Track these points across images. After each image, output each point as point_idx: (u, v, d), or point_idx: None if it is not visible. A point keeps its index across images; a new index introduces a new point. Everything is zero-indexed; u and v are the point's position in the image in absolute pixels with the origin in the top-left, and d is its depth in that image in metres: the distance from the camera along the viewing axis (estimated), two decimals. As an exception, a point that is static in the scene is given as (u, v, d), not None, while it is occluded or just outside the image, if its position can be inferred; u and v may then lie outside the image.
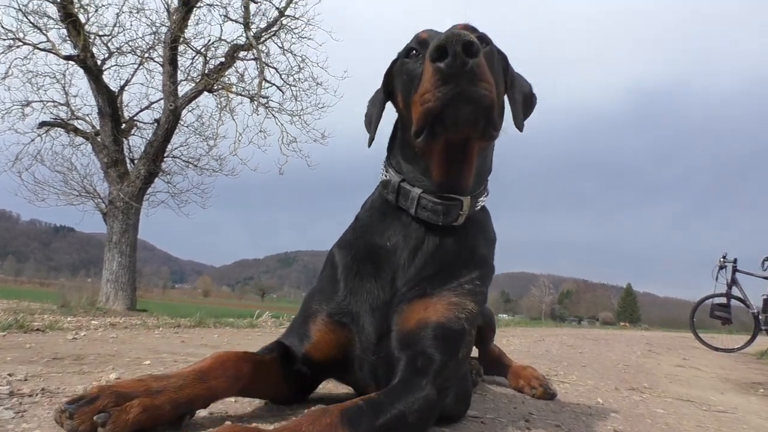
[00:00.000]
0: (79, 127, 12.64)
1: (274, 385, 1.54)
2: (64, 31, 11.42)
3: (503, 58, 1.62)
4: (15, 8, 10.94)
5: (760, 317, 9.28)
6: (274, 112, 13.10)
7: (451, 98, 1.23)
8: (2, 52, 11.38)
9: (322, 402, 1.67)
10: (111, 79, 12.42)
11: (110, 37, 12.17)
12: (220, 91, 12.76)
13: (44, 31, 11.44)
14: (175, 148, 13.36)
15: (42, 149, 12.59)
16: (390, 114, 1.68)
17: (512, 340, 6.57)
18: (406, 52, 1.52)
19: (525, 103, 1.68)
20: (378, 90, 1.73)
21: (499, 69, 1.54)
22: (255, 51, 12.56)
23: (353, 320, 1.52)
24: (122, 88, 12.76)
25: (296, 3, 12.53)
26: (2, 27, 11.14)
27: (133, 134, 13.08)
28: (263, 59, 12.72)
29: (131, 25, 12.44)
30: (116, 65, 12.60)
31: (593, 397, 2.58)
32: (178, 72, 12.36)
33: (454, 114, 1.26)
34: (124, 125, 12.59)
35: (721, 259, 9.84)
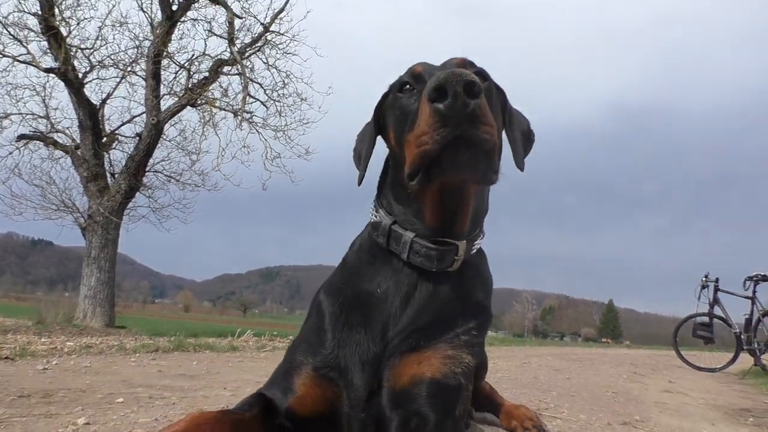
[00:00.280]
0: (58, 140, 12.41)
1: None
2: (45, 43, 11.26)
3: (501, 94, 1.55)
4: (-6, 20, 10.78)
5: (742, 337, 9.32)
6: (257, 128, 13.00)
7: (451, 141, 1.14)
8: (-20, 65, 11.19)
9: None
10: (92, 92, 12.26)
11: (92, 50, 12.03)
12: (203, 105, 12.65)
13: (24, 44, 11.27)
14: (157, 163, 13.19)
15: (20, 162, 12.34)
16: (381, 148, 1.58)
17: (498, 363, 6.48)
18: (400, 87, 1.43)
19: (524, 140, 1.60)
20: (368, 124, 1.63)
21: (498, 106, 1.46)
22: (239, 66, 12.48)
23: (341, 375, 1.40)
24: (104, 101, 12.59)
25: (281, 19, 12.51)
26: (-19, 39, 10.95)
27: (115, 148, 12.90)
28: (247, 74, 12.65)
29: (114, 38, 12.41)
30: (98, 78, 12.44)
31: (587, 435, 2.49)
32: (161, 86, 12.24)
33: (454, 158, 1.17)
34: (105, 139, 12.41)
35: (704, 279, 9.89)
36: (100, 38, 11.98)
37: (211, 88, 12.68)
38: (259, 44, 12.72)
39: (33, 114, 12.30)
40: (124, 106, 13.11)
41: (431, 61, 1.46)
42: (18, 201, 12.43)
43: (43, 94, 12.25)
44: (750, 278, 9.38)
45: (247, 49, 12.64)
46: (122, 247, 12.46)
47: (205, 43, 12.68)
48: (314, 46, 12.69)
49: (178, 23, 12.10)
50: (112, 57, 12.31)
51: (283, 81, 12.87)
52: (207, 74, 12.56)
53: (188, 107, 12.48)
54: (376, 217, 1.52)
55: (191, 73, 12.73)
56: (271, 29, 12.56)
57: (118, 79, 12.66)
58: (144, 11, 12.11)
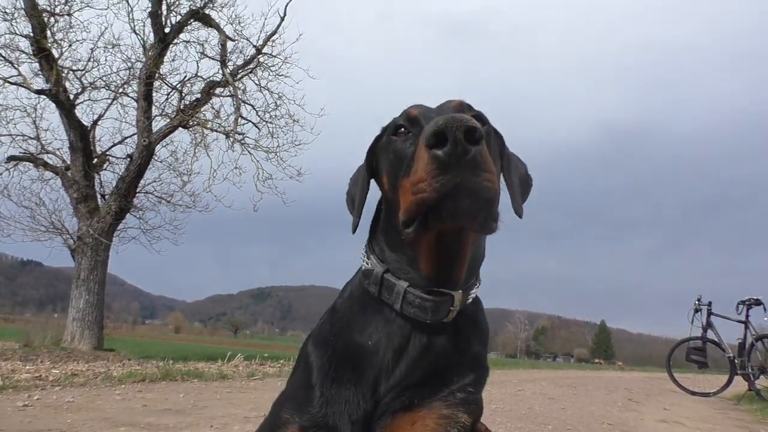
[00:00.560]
0: (48, 161, 12.33)
1: None
2: (36, 65, 11.23)
3: (499, 137, 1.49)
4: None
5: (735, 361, 9.29)
6: (249, 149, 12.95)
7: (450, 190, 1.08)
8: (-30, 86, 11.13)
9: None
10: (84, 113, 12.21)
11: (84, 71, 12.00)
12: (195, 127, 12.62)
13: (16, 65, 11.23)
14: (148, 184, 13.10)
15: (9, 184, 12.23)
16: (374, 191, 1.51)
17: (492, 391, 6.40)
18: (394, 130, 1.37)
19: (522, 185, 1.54)
20: (360, 167, 1.57)
21: (496, 151, 1.41)
22: (231, 88, 12.49)
23: None
24: (95, 122, 12.55)
25: (273, 41, 12.55)
26: (-29, 61, 10.92)
27: (105, 169, 12.83)
28: (240, 96, 12.64)
29: (106, 60, 12.34)
30: (89, 100, 12.40)
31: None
32: (153, 107, 12.21)
33: (453, 207, 1.10)
34: (95, 160, 12.34)
35: (696, 302, 9.88)
36: (92, 60, 11.97)
37: (203, 109, 12.66)
38: (252, 66, 12.75)
39: (23, 135, 12.23)
40: (115, 128, 13.03)
41: (426, 98, 1.41)
42: (7, 222, 12.31)
43: (33, 116, 12.21)
44: (743, 302, 9.39)
45: (240, 71, 12.66)
46: (112, 268, 12.35)
47: (198, 65, 12.70)
48: (306, 68, 12.75)
49: (171, 45, 12.12)
50: (104, 78, 12.30)
51: (276, 102, 12.88)
52: (199, 96, 12.55)
53: (180, 128, 12.45)
54: (367, 263, 1.45)
55: (183, 94, 12.72)
56: (263, 51, 12.60)
57: (109, 101, 12.63)
58: (136, 33, 12.11)
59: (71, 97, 11.60)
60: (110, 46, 12.09)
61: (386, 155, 1.39)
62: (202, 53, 12.53)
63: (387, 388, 1.32)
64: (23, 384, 3.54)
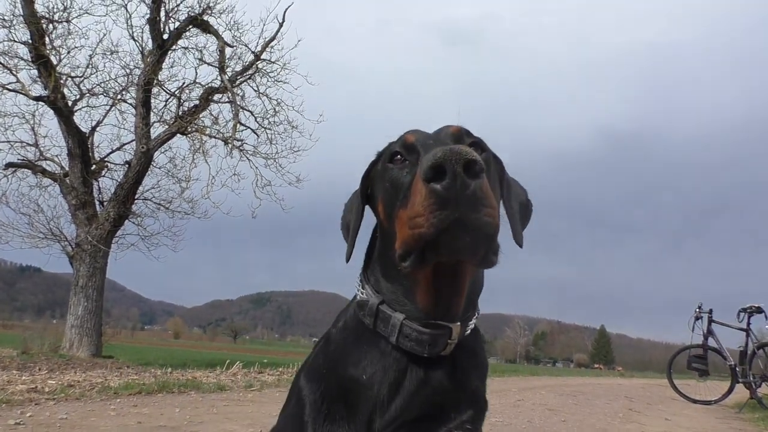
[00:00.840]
0: (47, 168, 12.33)
1: None
2: (35, 71, 11.23)
3: (499, 163, 1.44)
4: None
5: (737, 369, 9.25)
6: (248, 155, 12.95)
7: (449, 225, 1.03)
8: (-32, 93, 11.12)
9: None
10: (82, 120, 12.22)
11: (82, 78, 12.00)
12: (193, 133, 12.60)
13: (14, 72, 11.22)
14: (147, 190, 13.09)
15: (7, 191, 12.21)
16: (369, 217, 1.46)
17: (492, 402, 6.30)
18: (390, 157, 1.32)
19: (522, 212, 1.48)
20: (355, 193, 1.51)
21: (495, 179, 1.36)
22: (230, 94, 12.49)
23: None
24: (93, 129, 12.54)
25: (272, 47, 12.57)
26: (-31, 68, 10.91)
27: (104, 176, 12.83)
28: (238, 102, 12.65)
29: (104, 66, 12.32)
30: (88, 106, 12.41)
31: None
32: (152, 114, 12.21)
33: (452, 243, 1.06)
34: (94, 166, 12.34)
35: (697, 310, 9.85)
36: (90, 66, 11.99)
37: (201, 115, 12.68)
38: (250, 72, 12.76)
39: (21, 142, 12.23)
40: (113, 134, 13.03)
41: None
42: (5, 229, 12.28)
43: (32, 122, 12.22)
44: (744, 310, 9.35)
45: (238, 77, 12.67)
46: (111, 273, 12.32)
47: (196, 72, 12.72)
48: (305, 74, 12.76)
49: (169, 51, 12.13)
50: (103, 85, 12.32)
51: (274, 109, 12.89)
52: (197, 102, 12.56)
53: (178, 135, 12.44)
54: (362, 293, 1.40)
55: (182, 101, 12.73)
56: (262, 57, 12.62)
57: (108, 107, 12.65)
58: (135, 40, 12.12)
59: (70, 103, 11.59)
60: (109, 53, 12.12)
61: (382, 183, 1.34)
62: (200, 59, 12.57)
63: (382, 424, 1.27)
64: (17, 398, 3.49)
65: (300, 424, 1.33)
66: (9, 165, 12.05)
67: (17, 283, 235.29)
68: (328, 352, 1.42)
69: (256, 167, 12.98)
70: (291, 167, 13.04)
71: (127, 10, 11.75)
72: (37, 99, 11.23)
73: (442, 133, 1.32)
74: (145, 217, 13.30)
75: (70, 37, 11.58)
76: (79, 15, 11.48)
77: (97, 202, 12.17)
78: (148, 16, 11.61)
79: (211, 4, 11.98)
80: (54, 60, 11.19)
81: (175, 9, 11.90)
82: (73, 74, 11.86)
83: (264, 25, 12.41)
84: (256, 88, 12.86)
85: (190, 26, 12.19)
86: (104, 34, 11.94)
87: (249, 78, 12.82)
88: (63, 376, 6.32)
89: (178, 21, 12.03)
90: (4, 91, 11.37)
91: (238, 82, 12.67)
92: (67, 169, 11.99)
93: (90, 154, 12.17)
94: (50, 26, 11.22)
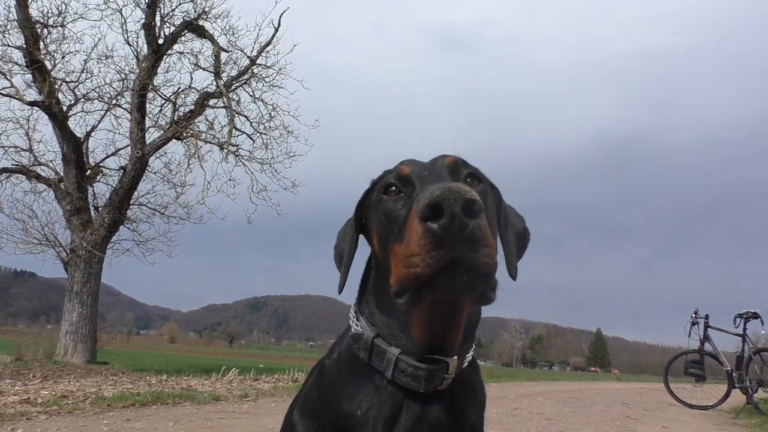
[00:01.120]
0: (41, 173, 12.27)
1: None
2: (29, 76, 11.18)
3: (496, 192, 1.42)
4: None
5: (733, 374, 9.25)
6: (244, 161, 12.92)
7: (446, 265, 1.00)
8: (-38, 98, 11.07)
9: None
10: (77, 125, 12.19)
11: (77, 83, 11.98)
12: (189, 138, 12.56)
13: (8, 77, 11.18)
14: (142, 196, 13.03)
15: (1, 196, 12.15)
16: (363, 246, 1.43)
17: (488, 410, 6.30)
18: (385, 188, 1.28)
19: (518, 242, 1.45)
20: (349, 221, 1.48)
21: (493, 210, 1.33)
22: (225, 99, 12.45)
23: None
24: (88, 134, 12.50)
25: (268, 52, 12.56)
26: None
27: (99, 181, 12.75)
28: (234, 107, 12.61)
29: (99, 71, 12.30)
30: (83, 111, 12.37)
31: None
32: (147, 119, 12.17)
33: (448, 283, 1.02)
34: (89, 172, 12.27)
35: (693, 315, 9.85)
36: (85, 71, 11.97)
37: (197, 121, 12.63)
38: (246, 77, 12.75)
39: (16, 147, 12.17)
40: (108, 139, 12.99)
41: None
42: (-1, 235, 12.19)
43: (26, 127, 12.17)
44: (740, 315, 9.38)
45: (234, 82, 12.64)
46: (106, 278, 12.29)
47: (191, 77, 12.71)
48: (301, 79, 12.74)
49: (164, 56, 12.10)
50: (97, 90, 12.30)
51: (270, 114, 12.87)
52: (193, 107, 12.52)
53: (174, 140, 12.39)
54: (357, 326, 1.36)
55: (177, 106, 12.70)
56: (257, 62, 12.60)
57: (102, 112, 12.62)
58: (130, 45, 12.10)
59: (64, 108, 11.56)
60: (103, 58, 12.11)
61: (376, 214, 1.30)
62: (195, 64, 12.53)
63: None
64: (9, 411, 3.44)
65: None
66: (3, 170, 12.00)
67: (12, 288, 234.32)
68: (321, 385, 1.38)
69: (252, 172, 12.98)
70: (287, 172, 13.03)
71: (122, 15, 11.74)
72: (32, 104, 11.18)
73: (438, 164, 1.29)
74: (140, 223, 13.25)
75: (64, 41, 11.57)
76: (74, 20, 11.46)
77: (92, 208, 12.11)
78: (143, 20, 11.60)
79: (206, 9, 11.98)
80: (48, 65, 11.15)
81: (171, 14, 11.89)
82: (67, 79, 11.85)
83: (259, 29, 12.42)
84: (251, 93, 12.87)
85: (186, 31, 12.17)
86: (99, 39, 11.95)
87: (244, 83, 12.81)
88: (56, 385, 6.27)
89: (174, 26, 12.01)
90: (-2, 96, 11.32)
91: (233, 87, 12.65)
92: (61, 174, 11.93)
93: (85, 159, 12.12)
94: (45, 31, 11.19)
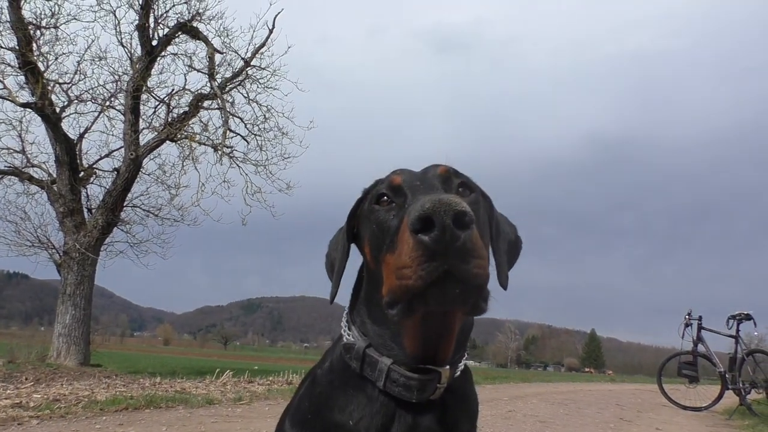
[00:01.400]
0: (34, 175, 12.20)
1: None
2: (22, 78, 11.12)
3: (488, 201, 1.41)
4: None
5: (726, 376, 9.29)
6: (238, 162, 12.90)
7: (437, 278, 0.99)
8: (-46, 99, 11.01)
9: None
10: (70, 126, 12.11)
11: (70, 84, 11.91)
12: (183, 140, 12.52)
13: (1, 78, 11.12)
14: (136, 197, 12.98)
15: (-7, 198, 12.07)
16: (355, 255, 1.42)
17: (482, 413, 6.30)
18: (377, 198, 1.28)
19: (510, 251, 1.46)
20: (341, 230, 1.48)
21: (485, 220, 1.33)
22: (220, 100, 12.43)
23: None
24: (81, 136, 12.43)
25: (262, 54, 12.54)
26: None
27: (92, 183, 12.71)
28: (228, 109, 12.59)
29: (93, 72, 12.24)
30: (76, 113, 12.30)
31: None
32: (140, 120, 12.12)
33: (440, 295, 1.02)
34: (82, 173, 12.21)
35: (687, 317, 9.88)
36: (78, 73, 11.88)
37: (191, 122, 12.59)
38: (240, 79, 12.72)
39: (8, 148, 12.09)
40: (102, 141, 12.91)
41: (412, 165, 1.29)
42: (-10, 237, 12.13)
43: (19, 129, 12.09)
44: (733, 317, 9.42)
45: (228, 84, 12.62)
46: (99, 280, 12.18)
47: (185, 78, 12.66)
48: (295, 80, 12.72)
49: (158, 58, 12.06)
50: (91, 91, 12.21)
51: (264, 115, 12.85)
52: (187, 109, 12.48)
53: (168, 142, 12.36)
54: (348, 336, 1.36)
55: (171, 107, 12.65)
56: (252, 64, 12.57)
57: (96, 114, 12.55)
58: (123, 46, 12.05)
59: (57, 110, 11.49)
60: (97, 59, 12.04)
61: (368, 224, 1.30)
62: (189, 66, 12.50)
63: None
64: (0, 416, 3.41)
65: None
66: (-5, 172, 11.92)
67: (4, 290, 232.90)
68: (313, 395, 1.37)
69: (246, 174, 12.95)
70: (281, 174, 13.02)
71: (115, 16, 11.69)
72: (25, 105, 11.12)
73: (430, 174, 1.30)
74: (134, 225, 13.20)
75: (57, 43, 11.50)
76: (67, 21, 11.40)
77: (85, 210, 12.06)
78: (136, 22, 11.55)
79: (200, 11, 11.94)
80: (41, 66, 11.09)
81: (164, 15, 11.85)
82: (60, 80, 11.78)
83: (254, 31, 12.39)
84: (245, 95, 12.84)
85: (180, 32, 12.13)
86: (92, 41, 11.87)
87: (239, 84, 12.79)
88: (49, 388, 6.24)
89: (167, 27, 11.98)
90: (-9, 97, 11.26)
91: (227, 88, 12.63)
92: (54, 176, 11.87)
93: (78, 161, 12.06)
94: (38, 32, 11.13)
